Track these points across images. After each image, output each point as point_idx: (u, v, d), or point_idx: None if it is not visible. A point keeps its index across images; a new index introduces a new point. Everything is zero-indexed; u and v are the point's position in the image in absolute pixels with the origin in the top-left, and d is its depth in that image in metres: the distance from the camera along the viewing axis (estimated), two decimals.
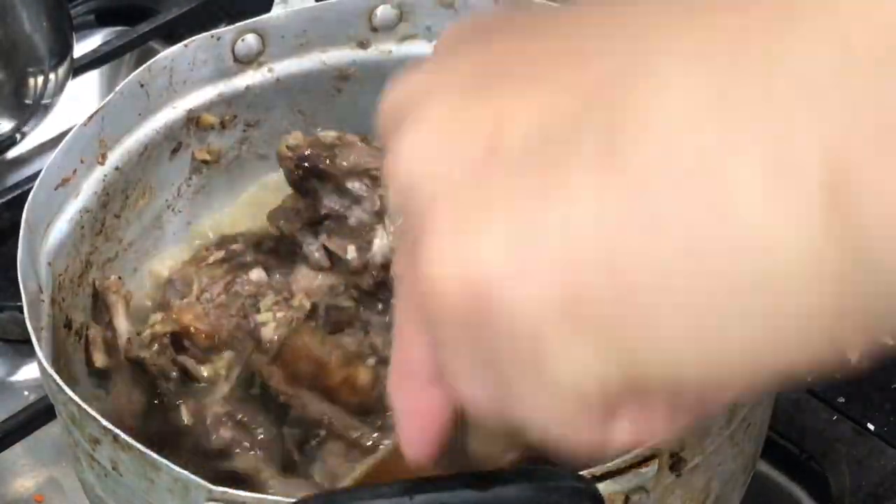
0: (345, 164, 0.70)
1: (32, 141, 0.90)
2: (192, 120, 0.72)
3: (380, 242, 0.69)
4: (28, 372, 0.82)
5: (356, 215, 0.71)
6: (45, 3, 0.82)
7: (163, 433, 0.66)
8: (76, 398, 0.53)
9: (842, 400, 0.75)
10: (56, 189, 0.64)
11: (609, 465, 0.49)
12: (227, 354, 0.68)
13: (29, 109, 0.84)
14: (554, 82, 0.28)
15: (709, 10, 0.27)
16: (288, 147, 0.70)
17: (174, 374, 0.66)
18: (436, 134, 0.30)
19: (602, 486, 0.49)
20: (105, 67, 0.96)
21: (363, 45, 0.74)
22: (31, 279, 0.60)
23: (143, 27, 0.95)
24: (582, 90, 0.28)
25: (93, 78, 0.96)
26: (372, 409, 0.66)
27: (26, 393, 0.79)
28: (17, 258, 0.59)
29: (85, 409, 0.53)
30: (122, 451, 0.52)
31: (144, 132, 0.70)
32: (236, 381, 0.67)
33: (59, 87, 0.85)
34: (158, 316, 0.69)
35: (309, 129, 0.75)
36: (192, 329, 0.68)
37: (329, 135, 0.71)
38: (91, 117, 0.66)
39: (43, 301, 0.62)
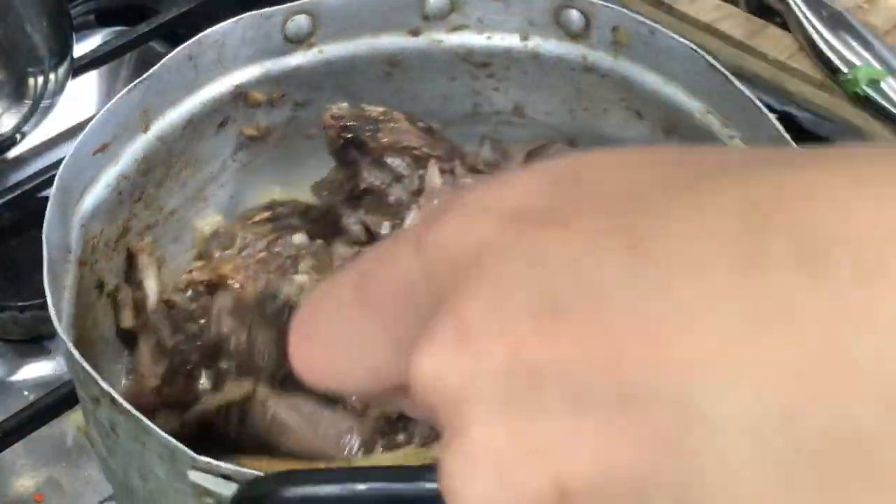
0: (386, 139, 0.72)
1: (32, 141, 0.90)
2: (240, 96, 0.73)
3: (409, 222, 0.70)
4: (28, 372, 0.82)
5: (396, 192, 0.72)
6: (45, 3, 0.82)
7: (182, 398, 0.68)
8: (78, 356, 0.55)
9: None
10: (94, 154, 0.66)
11: None
12: None
13: (29, 109, 0.84)
14: (602, 422, 0.26)
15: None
16: (332, 116, 0.72)
17: (202, 321, 0.67)
18: (490, 467, 0.27)
19: None
20: (105, 67, 0.96)
21: (414, 32, 0.74)
22: (56, 239, 0.61)
23: (143, 27, 0.95)
24: (632, 445, 0.26)
25: (93, 78, 0.96)
26: None
27: (26, 393, 0.80)
28: (45, 217, 0.60)
29: (87, 370, 0.54)
30: (119, 414, 0.54)
31: (191, 104, 0.71)
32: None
33: (59, 87, 0.85)
34: (199, 263, 0.71)
35: None
36: (228, 279, 0.69)
37: (375, 109, 0.72)
38: (135, 86, 0.67)
39: (69, 262, 0.63)
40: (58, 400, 0.71)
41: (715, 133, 0.68)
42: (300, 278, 0.71)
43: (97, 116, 0.66)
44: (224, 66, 0.72)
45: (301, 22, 0.73)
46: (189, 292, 0.68)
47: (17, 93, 0.83)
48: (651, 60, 0.70)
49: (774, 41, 0.93)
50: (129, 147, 0.68)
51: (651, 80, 0.71)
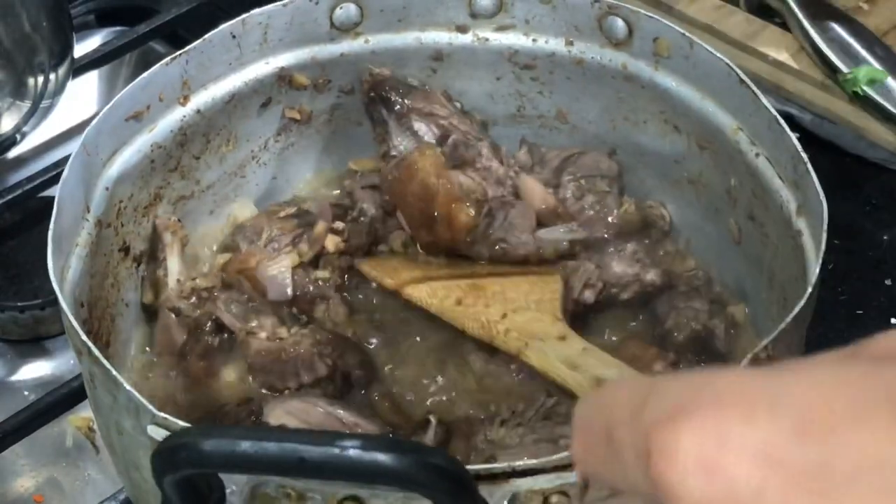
0: (414, 104, 0.74)
1: (32, 141, 0.92)
2: (284, 78, 0.74)
3: None
4: (28, 372, 0.83)
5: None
6: (45, 4, 0.83)
7: (198, 374, 0.69)
8: (66, 308, 0.56)
9: None
10: (126, 121, 0.68)
11: (532, 462, 0.49)
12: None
13: (29, 109, 0.85)
14: None
15: None
16: (371, 73, 0.75)
17: (208, 326, 0.69)
18: None
19: (520, 482, 0.49)
20: (105, 67, 0.98)
21: (462, 29, 0.75)
22: (72, 197, 0.63)
23: (143, 27, 0.96)
24: None
25: (93, 78, 0.98)
26: (461, 252, 0.72)
27: (26, 393, 0.81)
28: (62, 178, 0.62)
29: (71, 322, 0.56)
30: (94, 366, 0.55)
31: (233, 82, 0.73)
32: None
33: (59, 87, 0.86)
34: (226, 256, 0.73)
35: None
36: (250, 271, 0.71)
37: (416, 80, 0.75)
38: (174, 58, 0.69)
39: (87, 220, 0.65)
40: (58, 400, 0.73)
41: (744, 150, 0.67)
42: (320, 273, 0.72)
43: (132, 84, 0.67)
44: (269, 48, 0.73)
45: (350, 10, 0.74)
46: (193, 299, 0.70)
47: (17, 93, 0.84)
48: (689, 74, 0.69)
49: (774, 41, 0.92)
50: (165, 116, 0.70)
51: (688, 93, 0.70)
